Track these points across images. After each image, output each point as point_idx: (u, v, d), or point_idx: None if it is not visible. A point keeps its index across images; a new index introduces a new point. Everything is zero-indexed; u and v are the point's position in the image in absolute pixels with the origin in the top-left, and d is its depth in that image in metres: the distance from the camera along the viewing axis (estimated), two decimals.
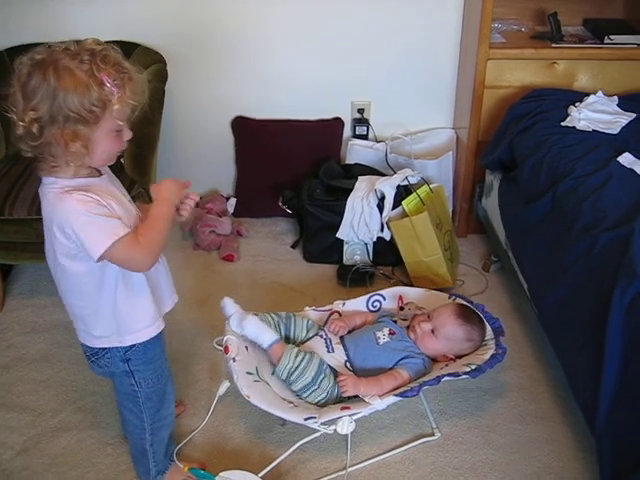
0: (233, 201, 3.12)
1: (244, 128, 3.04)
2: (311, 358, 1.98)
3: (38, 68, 1.36)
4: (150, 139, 2.36)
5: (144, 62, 2.56)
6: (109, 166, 1.59)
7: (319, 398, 1.98)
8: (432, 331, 2.07)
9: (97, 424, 2.12)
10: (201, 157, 3.12)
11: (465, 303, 2.20)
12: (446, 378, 1.93)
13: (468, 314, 2.11)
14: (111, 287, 1.57)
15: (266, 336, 2.02)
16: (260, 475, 1.86)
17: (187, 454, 2.02)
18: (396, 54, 2.91)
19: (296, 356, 1.96)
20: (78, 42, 1.41)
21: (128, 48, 2.66)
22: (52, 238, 1.48)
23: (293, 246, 2.94)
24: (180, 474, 1.92)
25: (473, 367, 1.97)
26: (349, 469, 1.94)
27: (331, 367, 2.01)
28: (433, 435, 2.06)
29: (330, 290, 2.69)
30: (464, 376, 1.94)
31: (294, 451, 1.92)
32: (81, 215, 1.41)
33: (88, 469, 2.00)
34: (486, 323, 2.14)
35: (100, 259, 1.45)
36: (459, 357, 2.08)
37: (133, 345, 1.67)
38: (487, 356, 2.02)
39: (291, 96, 2.99)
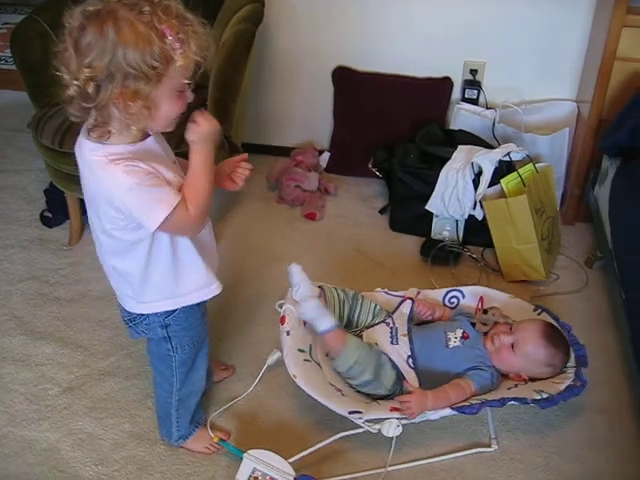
0: (326, 155, 2.96)
1: (345, 79, 2.84)
2: (371, 354, 1.81)
3: (93, 21, 1.22)
4: (233, 84, 2.22)
5: (239, 1, 2.41)
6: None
7: (378, 392, 1.83)
8: (511, 345, 1.85)
9: (143, 374, 2.08)
10: (297, 106, 2.96)
11: (553, 322, 1.96)
12: (512, 402, 1.73)
13: (555, 336, 1.88)
14: (162, 253, 1.49)
15: (325, 321, 1.83)
16: (292, 460, 1.73)
17: (223, 421, 1.94)
18: (518, 11, 2.59)
19: (358, 351, 1.80)
20: None
21: None
22: (96, 208, 1.39)
23: (381, 211, 2.75)
24: (204, 440, 1.86)
25: (545, 396, 1.75)
26: (389, 468, 1.78)
27: (393, 361, 1.84)
28: (489, 446, 1.86)
29: (411, 265, 2.50)
30: (532, 404, 1.74)
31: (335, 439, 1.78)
32: (132, 188, 1.30)
33: (125, 419, 1.97)
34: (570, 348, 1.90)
35: (156, 230, 1.37)
36: (532, 379, 1.86)
37: (174, 310, 1.59)
38: (563, 386, 1.79)
39: (399, 49, 2.75)
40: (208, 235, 1.61)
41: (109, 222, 1.40)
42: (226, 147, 2.31)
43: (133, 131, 1.32)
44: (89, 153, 1.34)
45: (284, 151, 2.99)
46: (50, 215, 2.69)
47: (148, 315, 1.60)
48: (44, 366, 2.12)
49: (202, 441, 1.86)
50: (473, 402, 1.75)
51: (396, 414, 1.73)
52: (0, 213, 2.76)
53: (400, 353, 1.86)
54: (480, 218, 2.40)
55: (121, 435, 1.92)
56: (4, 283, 2.42)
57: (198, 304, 1.63)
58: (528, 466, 1.82)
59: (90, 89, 1.24)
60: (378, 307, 2.00)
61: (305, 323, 1.91)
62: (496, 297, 2.09)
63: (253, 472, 1.70)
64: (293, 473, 1.69)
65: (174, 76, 1.27)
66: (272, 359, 2.01)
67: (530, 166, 2.36)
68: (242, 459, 1.72)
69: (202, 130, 1.36)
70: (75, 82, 1.24)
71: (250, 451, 1.74)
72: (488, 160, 2.34)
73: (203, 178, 1.40)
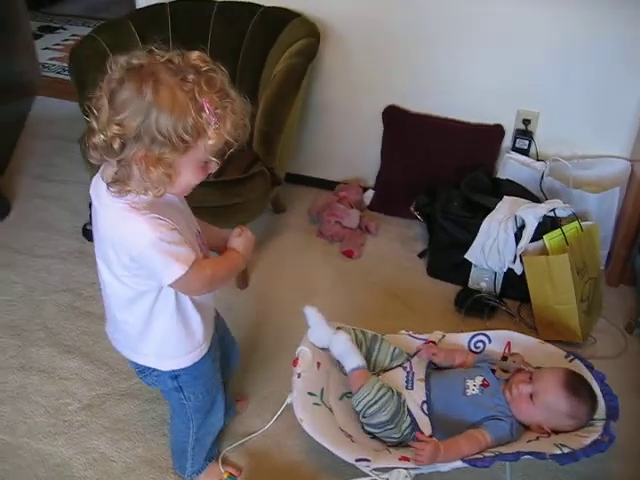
0: (370, 193, 2.94)
1: (396, 119, 2.82)
2: (393, 395, 1.77)
3: (134, 77, 1.19)
4: (280, 117, 2.22)
5: (295, 34, 2.43)
6: None
7: (391, 438, 1.78)
8: (530, 395, 1.77)
9: (162, 399, 2.02)
10: (345, 142, 2.95)
11: (580, 371, 1.86)
12: (527, 457, 1.64)
13: (578, 386, 1.77)
14: (165, 308, 1.46)
15: (352, 359, 1.82)
16: None
17: (235, 456, 1.92)
18: (576, 63, 2.53)
19: (378, 390, 1.75)
20: (182, 54, 1.23)
21: (287, 16, 2.54)
22: (109, 255, 1.37)
23: (420, 255, 2.71)
24: (214, 475, 1.83)
25: (565, 450, 1.64)
26: None
27: (407, 407, 1.79)
28: None
29: (444, 313, 2.45)
30: (550, 460, 1.64)
31: None
32: (153, 242, 1.27)
33: (139, 443, 1.97)
34: (601, 399, 1.79)
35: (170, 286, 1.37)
36: (556, 432, 1.76)
37: None
38: (588, 441, 1.67)
39: (452, 92, 2.72)
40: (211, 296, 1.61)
41: (122, 268, 1.37)
42: (268, 179, 2.31)
43: (150, 195, 1.27)
44: (110, 198, 1.30)
45: (329, 185, 2.98)
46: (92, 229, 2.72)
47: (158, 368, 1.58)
48: (68, 380, 2.14)
49: (212, 476, 1.84)
50: (486, 455, 1.66)
51: (405, 464, 1.67)
52: (44, 222, 2.82)
53: (414, 398, 1.81)
54: (519, 273, 2.34)
55: (134, 459, 1.92)
56: (39, 293, 2.46)
57: (208, 351, 1.61)
58: None
59: (115, 145, 1.21)
60: (397, 350, 1.95)
61: (319, 365, 1.87)
62: (525, 342, 1.98)
63: None
64: None
65: (201, 150, 1.24)
66: (291, 398, 1.98)
67: (575, 224, 2.30)
68: None
69: (246, 239, 1.54)
70: (102, 134, 1.21)
71: None
72: (532, 214, 2.29)
73: (232, 266, 1.54)
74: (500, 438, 1.73)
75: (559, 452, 1.64)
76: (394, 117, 2.82)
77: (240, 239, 1.53)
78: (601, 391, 1.81)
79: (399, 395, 1.79)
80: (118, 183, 1.27)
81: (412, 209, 2.67)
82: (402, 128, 2.82)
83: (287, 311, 2.40)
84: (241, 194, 2.24)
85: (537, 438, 1.74)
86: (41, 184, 3.02)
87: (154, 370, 1.58)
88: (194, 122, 1.19)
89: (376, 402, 1.75)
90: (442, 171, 2.75)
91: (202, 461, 1.81)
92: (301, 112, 2.65)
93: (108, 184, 1.28)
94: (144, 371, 1.61)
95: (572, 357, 1.93)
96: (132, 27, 2.55)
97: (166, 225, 1.29)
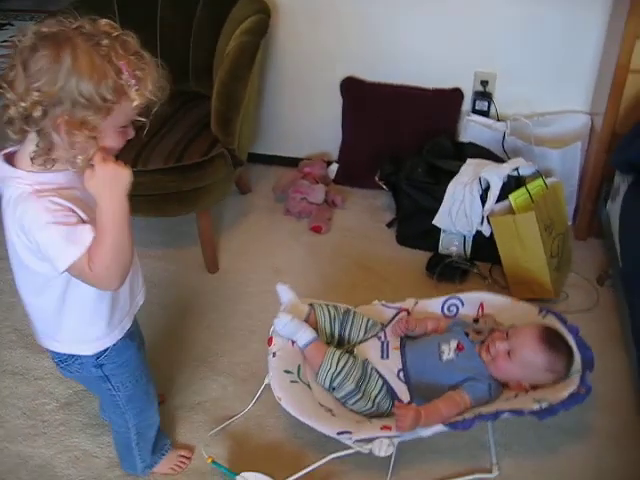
0: (335, 167, 2.92)
1: (354, 90, 2.80)
2: (355, 362, 1.78)
3: (49, 44, 1.16)
4: (236, 96, 2.18)
5: (244, 11, 2.38)
6: None
7: (365, 408, 1.79)
8: (508, 352, 1.78)
9: None
10: (305, 117, 2.92)
11: (554, 326, 1.88)
12: (506, 415, 1.66)
13: (554, 339, 1.80)
14: (79, 288, 1.37)
15: (302, 335, 1.83)
16: None
17: (218, 440, 1.90)
18: (530, 21, 2.52)
19: (338, 359, 1.76)
20: (92, 20, 1.22)
21: None
22: (13, 238, 1.29)
23: (389, 225, 2.70)
24: (169, 462, 1.83)
25: (544, 405, 1.67)
26: None
27: (381, 375, 1.79)
28: (490, 472, 1.80)
29: (416, 280, 2.45)
30: (529, 415, 1.66)
31: (330, 460, 1.73)
32: (46, 225, 1.22)
33: None
34: (576, 352, 1.81)
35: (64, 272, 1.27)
36: (535, 388, 1.78)
37: (106, 349, 1.51)
38: (565, 393, 1.70)
39: (408, 60, 2.69)
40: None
41: (23, 250, 1.29)
42: (229, 161, 2.28)
43: (79, 161, 1.23)
44: (11, 180, 1.25)
45: (292, 162, 2.95)
46: None
47: (79, 355, 1.51)
48: (43, 380, 2.10)
49: (167, 463, 1.83)
50: (467, 417, 1.68)
51: (387, 432, 1.68)
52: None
53: (390, 367, 1.82)
54: (488, 234, 2.34)
55: (116, 454, 1.89)
56: (7, 295, 2.41)
57: (130, 337, 1.56)
58: None
59: (37, 113, 1.17)
60: (371, 322, 1.96)
61: (294, 343, 1.87)
62: (498, 302, 2.02)
63: None
64: None
65: (123, 111, 1.23)
66: (269, 379, 1.97)
67: (540, 181, 2.30)
68: None
69: (101, 176, 1.24)
70: (21, 104, 1.17)
71: (243, 473, 1.72)
72: (496, 175, 2.29)
73: (109, 235, 1.24)
74: (479, 399, 1.74)
75: (537, 408, 1.66)
76: (352, 88, 2.79)
77: (94, 174, 1.25)
78: (575, 343, 1.83)
79: (365, 363, 1.79)
80: (42, 155, 1.22)
81: (377, 179, 2.65)
82: (361, 99, 2.80)
83: (258, 291, 2.38)
84: (202, 178, 2.21)
85: (516, 396, 1.77)
86: None
87: (77, 358, 1.52)
88: (114, 83, 1.18)
89: (339, 372, 1.76)
90: (404, 139, 2.74)
91: (150, 455, 1.79)
92: (258, 91, 2.62)
93: (32, 159, 1.23)
94: (66, 360, 1.53)
95: (545, 312, 1.95)
96: (78, 16, 2.47)
97: (63, 209, 1.23)
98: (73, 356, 1.52)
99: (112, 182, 1.25)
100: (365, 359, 1.81)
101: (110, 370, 1.56)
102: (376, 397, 1.78)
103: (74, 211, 1.25)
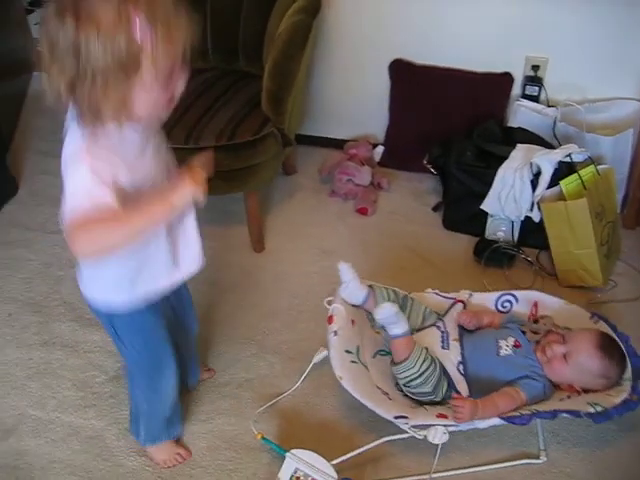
0: (380, 149, 2.90)
1: (402, 72, 2.77)
2: (435, 367, 1.78)
3: (58, 11, 1.13)
4: (288, 77, 2.18)
5: None
6: None
7: (424, 395, 1.80)
8: (564, 355, 1.79)
9: None
10: (353, 99, 2.89)
11: (609, 332, 1.88)
12: (564, 415, 1.67)
13: (610, 347, 1.81)
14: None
15: (399, 325, 1.79)
16: (335, 462, 1.70)
17: (266, 417, 1.92)
18: (584, 7, 2.47)
19: (422, 362, 1.76)
20: None
21: None
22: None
23: (434, 209, 2.69)
24: (167, 452, 1.82)
25: (599, 409, 1.70)
26: (433, 475, 1.74)
27: (444, 368, 1.80)
28: (538, 458, 1.81)
29: (463, 265, 2.44)
30: (585, 418, 1.68)
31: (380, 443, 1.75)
32: (83, 186, 1.23)
33: None
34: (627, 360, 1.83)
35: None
36: (586, 391, 1.80)
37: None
38: (618, 400, 1.73)
39: (458, 42, 2.66)
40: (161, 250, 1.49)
41: None
42: (279, 140, 2.29)
43: (121, 121, 1.22)
44: (73, 137, 1.26)
45: (338, 144, 2.94)
46: None
47: (96, 308, 1.54)
48: (92, 353, 2.14)
49: (165, 453, 1.83)
50: (523, 412, 1.70)
51: (443, 421, 1.69)
52: (53, 198, 2.68)
53: (451, 358, 1.82)
54: (537, 220, 2.32)
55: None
56: (55, 268, 2.45)
57: (149, 307, 1.53)
58: None
59: (64, 89, 1.16)
60: (428, 309, 1.96)
61: (354, 322, 1.88)
62: (551, 303, 2.02)
63: (295, 472, 1.69)
64: (335, 475, 1.66)
65: (151, 65, 1.16)
66: (318, 357, 1.99)
67: (591, 168, 2.27)
68: (285, 458, 1.70)
69: (186, 194, 1.29)
70: (55, 86, 1.17)
71: (293, 450, 1.72)
72: (548, 161, 2.26)
73: (132, 223, 1.27)
74: (534, 397, 1.76)
75: (593, 411, 1.69)
76: (400, 71, 2.77)
77: (181, 190, 1.30)
78: (627, 351, 1.84)
79: (440, 364, 1.80)
80: (87, 116, 1.21)
81: (425, 162, 2.64)
82: (409, 81, 2.78)
83: (305, 272, 2.40)
84: (254, 156, 2.22)
85: (568, 397, 1.79)
86: (47, 160, 2.97)
87: (96, 311, 1.54)
88: (129, 39, 1.12)
89: (420, 375, 1.76)
90: (453, 123, 2.72)
91: (156, 431, 1.79)
92: (307, 71, 2.61)
93: (79, 122, 1.23)
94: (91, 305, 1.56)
95: (596, 318, 1.97)
96: None
97: (101, 183, 1.23)
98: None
99: (185, 200, 1.30)
100: (425, 347, 1.81)
101: (119, 327, 1.56)
102: (444, 394, 1.79)
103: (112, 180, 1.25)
